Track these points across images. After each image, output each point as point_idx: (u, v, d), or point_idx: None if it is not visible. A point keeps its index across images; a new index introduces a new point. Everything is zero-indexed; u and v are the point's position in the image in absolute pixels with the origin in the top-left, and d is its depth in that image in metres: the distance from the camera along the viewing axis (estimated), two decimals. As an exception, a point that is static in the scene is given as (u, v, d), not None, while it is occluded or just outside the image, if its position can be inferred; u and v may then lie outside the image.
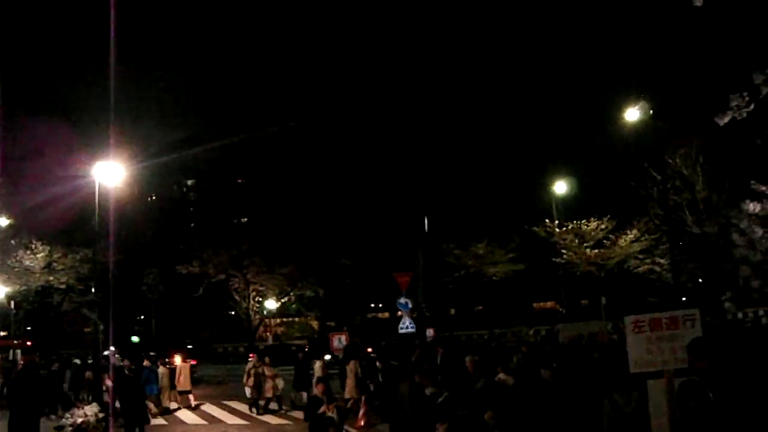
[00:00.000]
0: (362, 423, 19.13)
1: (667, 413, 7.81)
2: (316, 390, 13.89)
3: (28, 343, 42.62)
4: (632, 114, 32.30)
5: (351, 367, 20.62)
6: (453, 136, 53.06)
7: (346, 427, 19.49)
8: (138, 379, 19.42)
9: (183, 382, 26.13)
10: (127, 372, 20.54)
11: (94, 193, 25.57)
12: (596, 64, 46.35)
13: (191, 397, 25.93)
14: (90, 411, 17.74)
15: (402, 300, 24.19)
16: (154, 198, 60.60)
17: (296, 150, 55.24)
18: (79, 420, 16.17)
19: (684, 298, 37.67)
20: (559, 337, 27.72)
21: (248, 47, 57.64)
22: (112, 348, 26.69)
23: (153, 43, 52.53)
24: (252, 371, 23.67)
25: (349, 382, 20.46)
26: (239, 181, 62.67)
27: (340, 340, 26.09)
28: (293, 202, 55.44)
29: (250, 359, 25.08)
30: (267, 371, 23.80)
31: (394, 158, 51.93)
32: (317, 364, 22.50)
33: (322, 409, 13.11)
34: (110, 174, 24.87)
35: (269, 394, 23.58)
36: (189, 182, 67.94)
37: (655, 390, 8.04)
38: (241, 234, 53.39)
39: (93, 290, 42.93)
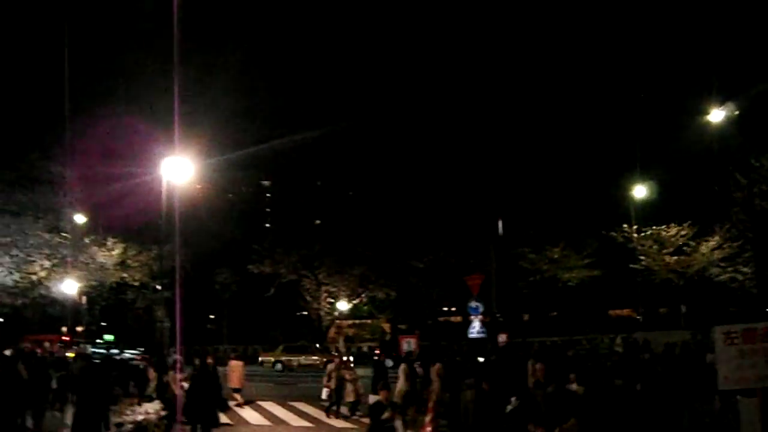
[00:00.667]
0: (429, 429, 18.59)
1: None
2: (381, 395, 13.38)
3: (64, 338, 42.94)
4: (717, 115, 31.15)
5: (435, 369, 20.01)
6: (530, 137, 51.97)
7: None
8: (207, 377, 19.10)
9: (235, 380, 26.03)
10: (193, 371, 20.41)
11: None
12: (680, 62, 44.66)
13: (239, 396, 25.65)
14: (152, 408, 17.54)
15: (473, 303, 23.55)
16: (230, 196, 60.56)
17: (371, 150, 54.62)
18: (140, 417, 15.90)
19: (768, 309, 36.18)
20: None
21: (324, 38, 56.81)
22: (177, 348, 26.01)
23: (225, 33, 51.78)
24: (334, 374, 23.18)
25: (436, 385, 19.83)
26: (318, 183, 62.40)
27: (409, 344, 25.55)
28: (366, 203, 55.03)
29: (332, 361, 24.65)
30: (348, 374, 23.22)
31: (469, 159, 51.05)
32: (402, 367, 21.81)
33: (386, 415, 12.61)
34: (178, 170, 24.14)
35: (350, 399, 23.00)
36: (265, 182, 68.08)
37: (747, 408, 7.29)
38: (313, 235, 53.19)
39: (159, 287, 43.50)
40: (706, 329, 41.56)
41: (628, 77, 49.68)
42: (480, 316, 24.33)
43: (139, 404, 18.16)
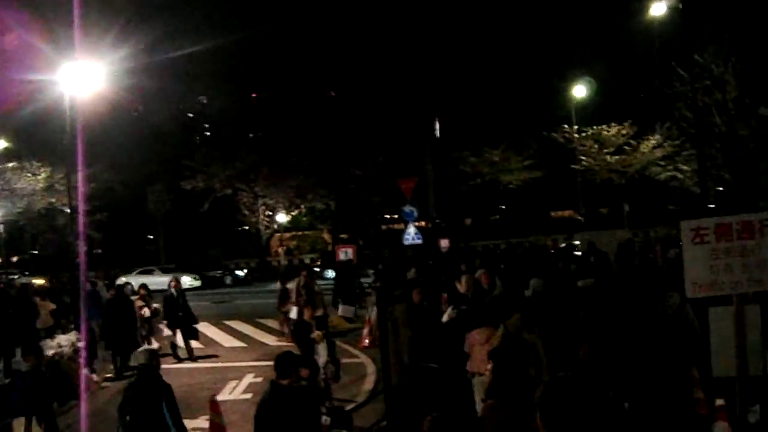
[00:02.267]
0: (366, 342, 17.74)
1: (734, 350, 6.06)
2: (305, 313, 12.14)
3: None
4: (658, 8, 29.89)
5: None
6: (468, 34, 50.36)
7: (348, 347, 18.21)
8: (122, 303, 17.79)
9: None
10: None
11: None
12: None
13: None
14: (66, 340, 16.16)
15: (407, 208, 22.20)
16: (157, 110, 57.99)
17: (302, 54, 52.41)
18: (51, 352, 14.37)
19: (713, 206, 35.86)
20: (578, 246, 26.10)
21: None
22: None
23: None
24: (303, 290, 21.34)
25: (374, 297, 18.80)
26: (251, 94, 60.14)
27: (346, 253, 24.33)
28: (300, 110, 53.22)
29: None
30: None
31: (405, 58, 49.31)
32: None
33: (314, 335, 11.42)
34: (81, 78, 20.69)
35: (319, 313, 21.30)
36: (202, 98, 65.43)
37: (719, 320, 6.26)
38: (248, 147, 51.46)
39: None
40: (648, 228, 41.79)
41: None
42: (415, 222, 23.21)
43: (52, 337, 16.78)
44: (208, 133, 65.13)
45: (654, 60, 33.78)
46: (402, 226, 53.33)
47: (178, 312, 18.05)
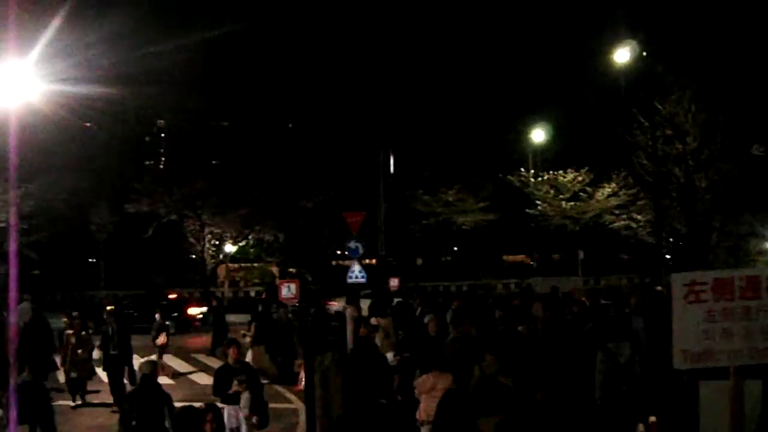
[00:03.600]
0: (301, 386, 16.51)
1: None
2: (230, 354, 10.80)
3: None
4: (622, 55, 29.54)
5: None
6: (426, 73, 49.95)
7: (282, 390, 17.02)
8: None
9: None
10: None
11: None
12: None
13: None
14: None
15: (351, 244, 20.99)
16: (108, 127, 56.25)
17: (260, 83, 51.52)
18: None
19: (668, 256, 35.48)
20: (534, 289, 25.14)
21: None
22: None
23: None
24: None
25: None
26: (205, 119, 58.68)
27: (289, 288, 23.04)
28: (251, 138, 52.13)
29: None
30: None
31: (361, 90, 48.66)
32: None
33: (234, 386, 10.00)
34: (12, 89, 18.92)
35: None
36: (160, 122, 63.85)
37: (711, 396, 5.17)
38: (197, 173, 49.93)
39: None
40: (600, 276, 41.32)
41: (533, 12, 48.08)
42: (364, 260, 22.07)
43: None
44: (160, 156, 63.74)
45: (615, 107, 33.34)
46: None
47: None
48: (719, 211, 29.76)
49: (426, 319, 12.87)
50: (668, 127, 29.18)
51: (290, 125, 56.32)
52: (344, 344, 10.31)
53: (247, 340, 19.54)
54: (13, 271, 20.42)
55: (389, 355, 13.42)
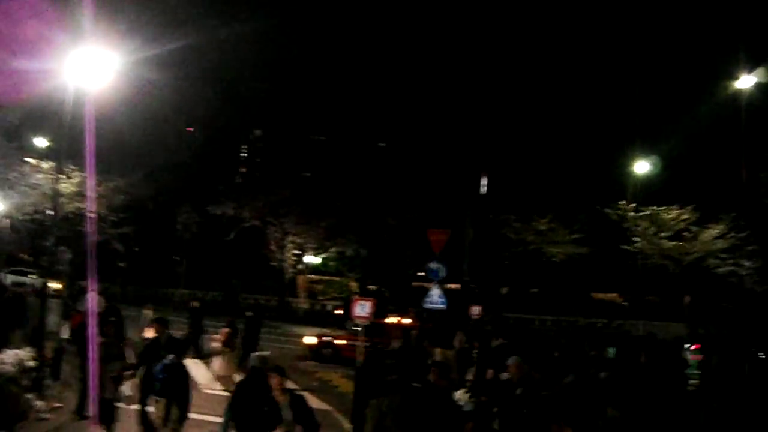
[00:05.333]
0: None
1: None
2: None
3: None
4: (745, 81, 26.87)
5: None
6: (528, 95, 47.93)
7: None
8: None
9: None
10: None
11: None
12: (703, 21, 40.38)
13: None
14: (13, 358, 13.55)
15: (432, 265, 19.14)
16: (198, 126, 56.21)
17: (351, 96, 50.80)
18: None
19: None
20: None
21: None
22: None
23: None
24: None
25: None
26: (298, 128, 58.34)
27: (363, 307, 21.29)
28: (344, 149, 51.33)
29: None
30: None
31: (459, 111, 47.10)
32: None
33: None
34: (90, 77, 17.48)
35: None
36: (257, 131, 63.91)
37: None
38: (284, 181, 49.17)
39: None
40: (707, 323, 38.48)
41: (644, 37, 45.54)
42: (445, 284, 20.19)
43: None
44: (255, 166, 63.87)
45: (733, 139, 30.58)
46: (432, 285, 50.71)
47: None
48: None
49: (509, 362, 10.80)
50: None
51: (383, 144, 55.47)
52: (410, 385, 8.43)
53: (216, 344, 19.37)
54: (92, 261, 19.45)
55: (460, 393, 11.40)
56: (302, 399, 9.29)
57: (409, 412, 7.77)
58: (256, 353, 11.04)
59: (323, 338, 27.66)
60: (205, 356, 21.98)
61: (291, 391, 9.27)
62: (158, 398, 11.10)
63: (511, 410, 9.51)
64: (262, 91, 51.80)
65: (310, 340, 27.75)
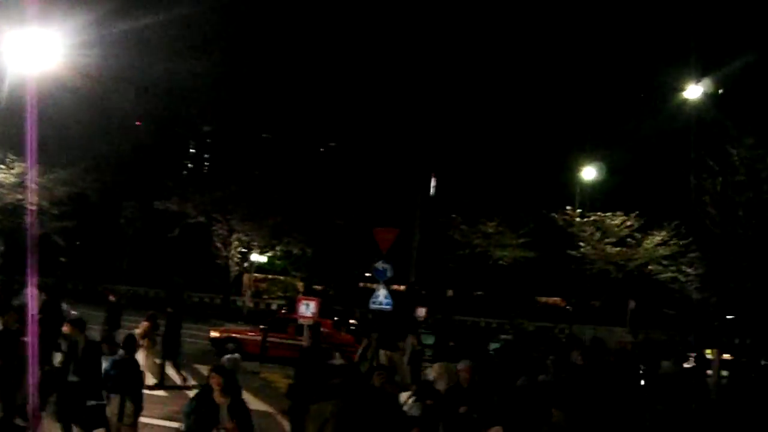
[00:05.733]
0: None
1: None
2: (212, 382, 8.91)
3: None
4: (693, 91, 27.15)
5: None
6: (477, 98, 48.01)
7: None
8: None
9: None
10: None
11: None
12: (655, 30, 40.84)
13: None
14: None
15: (379, 265, 18.93)
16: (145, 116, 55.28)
17: (302, 94, 50.43)
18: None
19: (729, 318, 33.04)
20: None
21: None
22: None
23: None
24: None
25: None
26: (263, 135, 57.57)
27: (308, 306, 21.04)
28: (290, 146, 50.84)
29: None
30: None
31: (409, 113, 47.00)
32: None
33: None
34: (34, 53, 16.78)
35: None
36: (206, 127, 62.96)
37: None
38: (230, 177, 48.48)
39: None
40: (648, 329, 38.91)
41: (596, 46, 45.92)
42: (385, 284, 19.87)
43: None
44: (203, 162, 63.12)
45: (680, 148, 30.95)
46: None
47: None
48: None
49: (460, 366, 10.59)
50: (741, 173, 26.62)
51: (333, 143, 55.11)
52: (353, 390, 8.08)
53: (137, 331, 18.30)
54: (32, 254, 18.84)
55: (409, 400, 11.09)
56: (242, 403, 9.00)
57: (352, 418, 7.50)
58: (228, 356, 11.06)
59: (226, 333, 27.34)
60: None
61: (233, 392, 8.96)
62: (112, 395, 11.01)
63: (456, 415, 9.32)
64: (213, 87, 50.99)
65: (213, 333, 27.38)
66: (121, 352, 11.50)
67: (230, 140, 55.51)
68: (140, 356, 18.18)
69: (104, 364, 11.32)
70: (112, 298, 24.45)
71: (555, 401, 8.31)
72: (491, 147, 48.51)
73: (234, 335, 26.63)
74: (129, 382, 11.12)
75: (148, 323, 18.95)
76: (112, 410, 10.99)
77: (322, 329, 25.33)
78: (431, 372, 13.12)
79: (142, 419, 11.95)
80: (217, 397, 8.76)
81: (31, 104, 17.22)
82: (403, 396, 11.15)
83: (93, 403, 10.96)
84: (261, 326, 27.11)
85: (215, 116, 55.94)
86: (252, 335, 26.43)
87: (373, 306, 19.02)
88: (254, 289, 55.93)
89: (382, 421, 7.92)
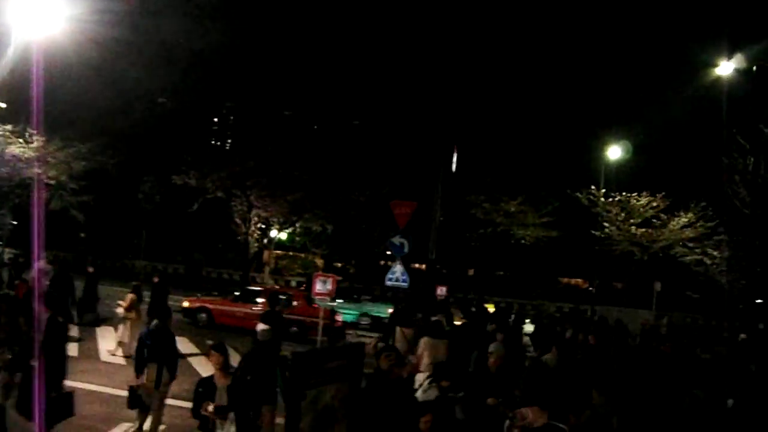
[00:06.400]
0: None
1: None
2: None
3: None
4: (725, 68, 26.22)
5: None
6: (504, 74, 47.20)
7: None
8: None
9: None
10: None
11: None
12: (685, 6, 39.82)
13: None
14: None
15: (396, 239, 18.40)
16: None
17: (325, 71, 49.82)
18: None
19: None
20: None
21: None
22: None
23: None
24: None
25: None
26: (285, 112, 56.94)
27: (325, 283, 20.51)
28: (311, 122, 50.21)
29: None
30: None
31: (433, 86, 46.22)
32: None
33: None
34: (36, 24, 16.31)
35: None
36: (228, 104, 62.53)
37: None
38: (249, 152, 47.92)
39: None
40: (672, 312, 38.26)
41: (624, 22, 44.95)
42: (403, 261, 19.28)
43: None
44: (226, 139, 62.70)
45: (711, 127, 30.02)
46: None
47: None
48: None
49: (491, 349, 10.02)
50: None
51: (356, 122, 54.46)
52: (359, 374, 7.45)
53: (120, 310, 18.57)
54: (39, 227, 18.50)
55: (424, 382, 10.48)
56: (247, 385, 8.42)
57: (357, 404, 6.88)
58: (262, 326, 10.88)
59: (198, 303, 26.92)
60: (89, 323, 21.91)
61: (235, 373, 8.41)
62: (149, 364, 11.12)
63: (476, 397, 8.77)
64: (234, 62, 50.51)
65: (185, 303, 26.96)
66: (155, 321, 11.67)
67: (252, 117, 54.90)
68: (121, 328, 17.97)
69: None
70: (90, 269, 24.47)
71: (594, 383, 7.85)
72: (516, 124, 47.79)
73: (206, 305, 26.39)
74: (165, 350, 11.23)
75: (132, 295, 18.70)
76: (148, 378, 11.08)
77: (294, 302, 25.15)
78: (418, 348, 12.93)
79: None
80: (218, 377, 8.21)
81: (37, 69, 16.71)
82: (420, 378, 10.64)
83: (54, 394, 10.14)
84: (232, 296, 26.89)
85: (237, 92, 55.40)
86: (224, 306, 26.02)
87: (389, 283, 18.54)
88: (274, 265, 55.56)
89: (390, 407, 7.33)
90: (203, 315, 25.83)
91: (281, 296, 24.61)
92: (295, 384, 7.40)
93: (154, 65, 45.05)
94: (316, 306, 26.11)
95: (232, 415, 7.84)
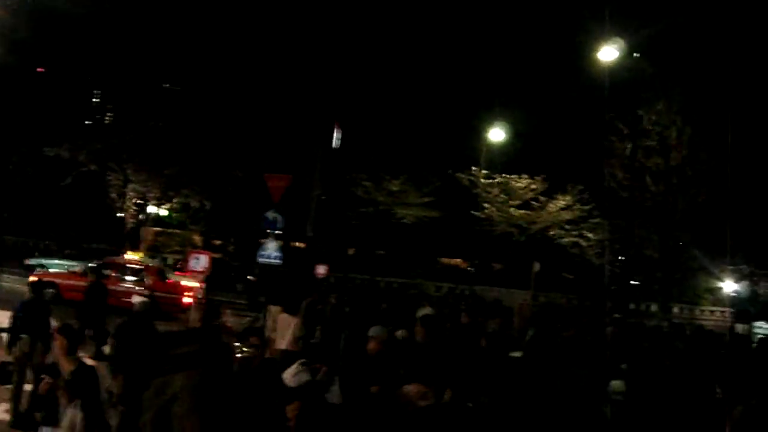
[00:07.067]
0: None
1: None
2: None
3: None
4: (608, 53, 26.49)
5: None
6: (386, 52, 46.91)
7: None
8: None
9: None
10: None
11: None
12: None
13: None
14: None
15: (269, 214, 17.79)
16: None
17: (202, 35, 48.47)
18: None
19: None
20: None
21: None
22: None
23: None
24: None
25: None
26: (164, 85, 54.92)
27: (198, 260, 19.74)
28: (187, 94, 48.83)
29: None
30: None
31: (315, 60, 45.61)
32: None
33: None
34: None
35: None
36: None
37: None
38: (127, 126, 46.16)
39: None
40: (549, 292, 39.05)
41: (506, 4, 45.28)
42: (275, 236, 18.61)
43: None
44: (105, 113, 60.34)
45: (591, 111, 30.48)
46: (281, 243, 49.61)
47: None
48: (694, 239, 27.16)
49: (372, 333, 9.48)
50: (651, 138, 26.29)
51: (231, 94, 53.46)
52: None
53: None
54: None
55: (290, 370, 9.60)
56: (92, 371, 7.56)
57: (210, 393, 6.05)
58: (140, 298, 10.87)
59: (46, 277, 25.72)
60: None
61: (79, 359, 7.56)
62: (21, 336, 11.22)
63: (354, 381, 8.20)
64: (117, 36, 48.63)
65: (32, 278, 25.73)
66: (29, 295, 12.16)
67: (132, 91, 53.01)
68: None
69: None
70: None
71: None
72: (399, 103, 47.52)
73: (53, 279, 25.26)
74: (38, 323, 11.26)
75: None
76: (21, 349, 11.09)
77: (146, 277, 24.38)
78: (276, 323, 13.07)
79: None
80: (63, 362, 7.33)
81: None
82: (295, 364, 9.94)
83: None
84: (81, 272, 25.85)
85: (116, 64, 53.38)
86: (71, 280, 24.99)
87: (260, 260, 17.94)
88: (152, 242, 53.79)
89: (250, 394, 6.67)
90: (51, 290, 24.52)
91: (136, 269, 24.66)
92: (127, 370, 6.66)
93: (32, 37, 43.12)
94: (170, 281, 25.44)
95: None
